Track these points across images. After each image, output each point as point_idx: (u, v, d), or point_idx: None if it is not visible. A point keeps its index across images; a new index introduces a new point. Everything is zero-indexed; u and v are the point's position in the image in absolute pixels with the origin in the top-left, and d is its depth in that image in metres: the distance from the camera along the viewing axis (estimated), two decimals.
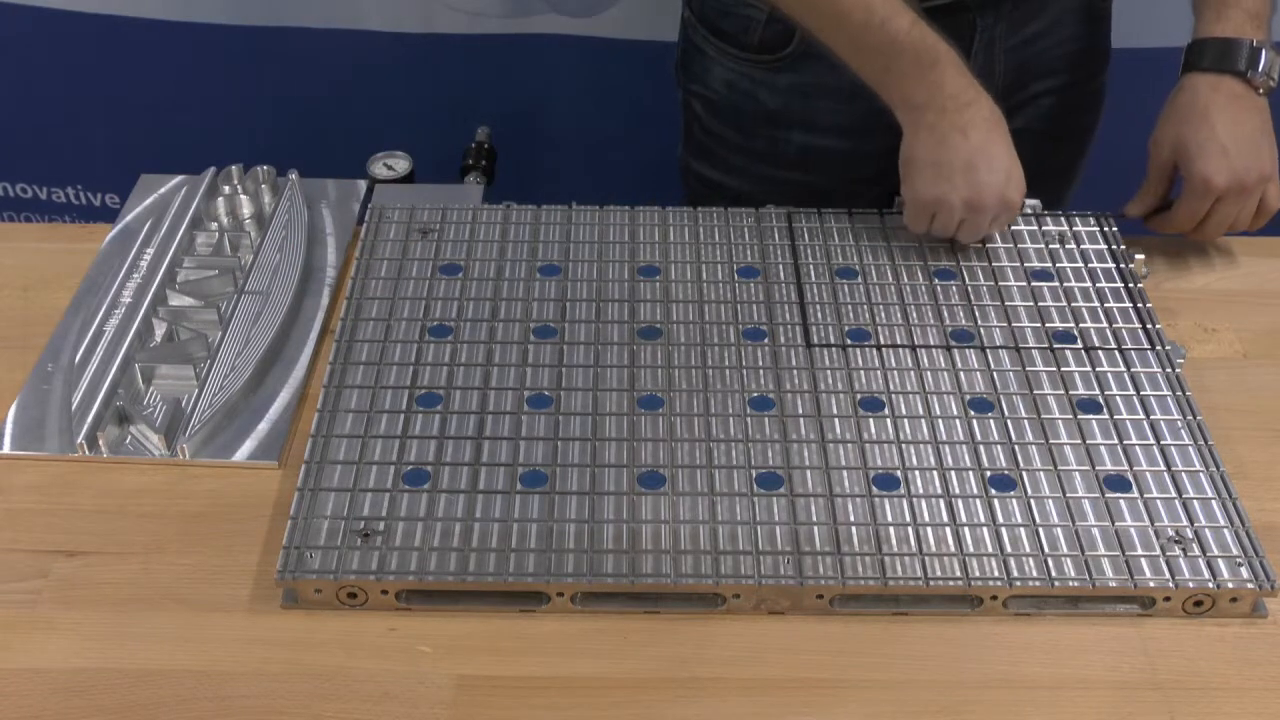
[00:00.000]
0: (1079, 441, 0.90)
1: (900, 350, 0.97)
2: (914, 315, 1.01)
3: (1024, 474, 0.87)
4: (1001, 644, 0.80)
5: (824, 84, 1.16)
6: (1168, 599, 0.81)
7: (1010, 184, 1.01)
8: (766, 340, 0.98)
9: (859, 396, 0.93)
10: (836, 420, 0.91)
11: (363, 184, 1.19)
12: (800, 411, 0.91)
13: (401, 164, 1.23)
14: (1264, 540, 0.83)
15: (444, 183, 1.24)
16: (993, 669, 0.78)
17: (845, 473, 0.87)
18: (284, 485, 0.89)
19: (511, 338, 0.98)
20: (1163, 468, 0.88)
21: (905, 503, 0.85)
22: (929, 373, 0.95)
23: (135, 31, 1.68)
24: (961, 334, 0.99)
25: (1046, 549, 0.82)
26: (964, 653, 0.79)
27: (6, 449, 0.92)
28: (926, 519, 0.84)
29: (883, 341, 0.98)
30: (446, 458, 0.87)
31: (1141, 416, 0.92)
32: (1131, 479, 0.87)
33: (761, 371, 0.95)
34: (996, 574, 0.80)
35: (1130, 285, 1.04)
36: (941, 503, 0.85)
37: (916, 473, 0.87)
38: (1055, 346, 0.98)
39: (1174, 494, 0.86)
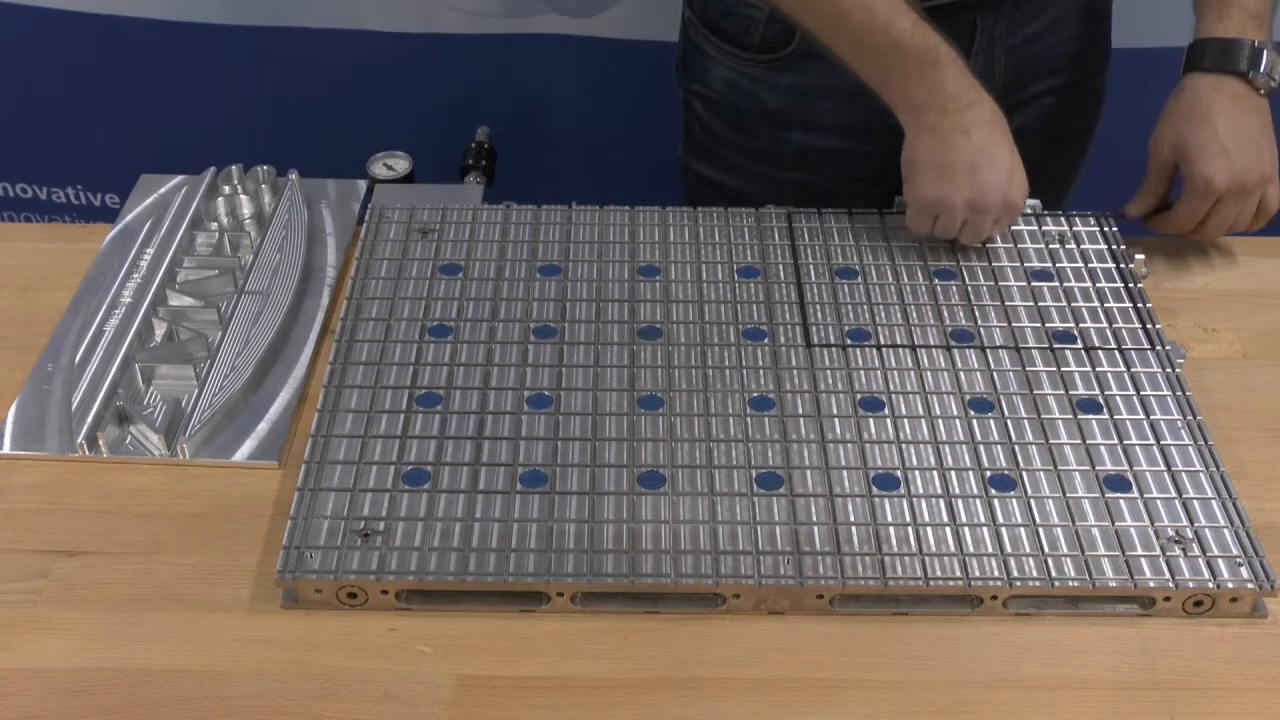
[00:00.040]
0: (1079, 441, 0.90)
1: (900, 350, 0.97)
2: (914, 315, 1.01)
3: (1024, 474, 0.87)
4: (1001, 644, 0.80)
5: (824, 84, 1.16)
6: (1168, 599, 0.81)
7: (1013, 185, 1.01)
8: (766, 340, 0.98)
9: (859, 396, 0.93)
10: (836, 420, 0.91)
11: (363, 184, 1.19)
12: (800, 411, 0.91)
13: (401, 164, 1.23)
14: (1264, 540, 0.83)
15: (444, 183, 1.24)
16: (993, 669, 0.78)
17: (845, 473, 0.87)
18: (284, 485, 0.89)
19: (511, 338, 0.98)
20: (1163, 468, 0.88)
21: (905, 503, 0.85)
22: (929, 373, 0.95)
23: (135, 31, 1.68)
24: (961, 334, 0.99)
25: (1046, 549, 0.82)
26: (964, 653, 0.79)
27: (6, 449, 0.92)
28: (926, 519, 0.84)
29: (883, 341, 0.98)
30: (446, 458, 0.87)
31: (1141, 416, 0.92)
32: (1131, 479, 0.87)
33: (761, 371, 0.95)
34: (996, 574, 0.80)
35: (1130, 285, 1.04)
36: (941, 503, 0.85)
37: (916, 473, 0.87)
38: (1055, 346, 0.98)
39: (1174, 494, 0.86)
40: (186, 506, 0.88)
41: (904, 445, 0.89)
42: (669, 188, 1.30)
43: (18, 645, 0.79)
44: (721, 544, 0.82)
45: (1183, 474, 0.87)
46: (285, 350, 1.00)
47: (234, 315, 1.01)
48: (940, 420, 0.91)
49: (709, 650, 0.79)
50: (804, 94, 1.18)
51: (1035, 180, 1.04)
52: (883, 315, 1.01)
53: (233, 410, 0.94)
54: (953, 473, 0.87)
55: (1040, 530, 0.83)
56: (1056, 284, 1.04)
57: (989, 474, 0.87)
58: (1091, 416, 0.92)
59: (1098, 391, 0.94)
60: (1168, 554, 0.82)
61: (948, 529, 0.83)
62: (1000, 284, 1.04)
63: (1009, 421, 0.91)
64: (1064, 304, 1.02)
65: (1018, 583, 0.80)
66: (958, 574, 0.80)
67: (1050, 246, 1.08)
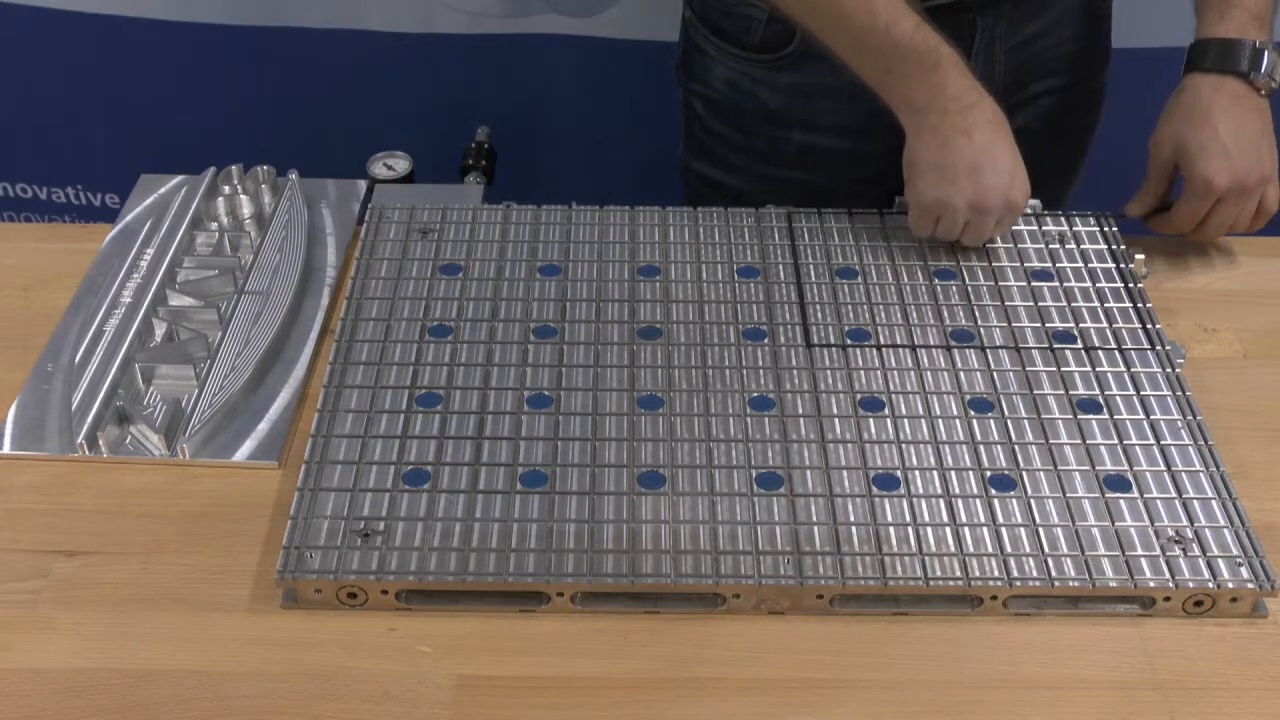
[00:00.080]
0: (1079, 441, 0.90)
1: (900, 350, 0.97)
2: (914, 315, 1.01)
3: (1024, 474, 0.87)
4: (1001, 644, 0.80)
5: (825, 83, 1.16)
6: (1168, 599, 0.81)
7: (1014, 186, 1.01)
8: (766, 340, 0.98)
9: (859, 396, 0.93)
10: (836, 420, 0.91)
11: (363, 184, 1.19)
12: (800, 411, 0.91)
13: (401, 164, 1.23)
14: (1264, 540, 0.83)
15: (444, 183, 1.25)
16: (993, 669, 0.78)
17: (845, 473, 0.87)
18: (284, 485, 0.89)
19: (511, 338, 0.98)
20: (1163, 468, 0.88)
21: (905, 503, 0.85)
22: (929, 373, 0.95)
23: (135, 31, 1.68)
24: (961, 334, 0.99)
25: (1046, 549, 0.82)
26: (964, 653, 0.79)
27: (6, 449, 0.92)
28: (926, 519, 0.84)
29: (883, 341, 0.98)
30: (446, 458, 0.87)
31: (1141, 416, 0.92)
32: (1131, 479, 0.87)
33: (761, 371, 0.95)
34: (996, 574, 0.80)
35: (1130, 285, 1.04)
36: (941, 503, 0.85)
37: (916, 473, 0.87)
38: (1055, 346, 0.98)
39: (1174, 494, 0.86)
40: (186, 506, 0.88)
41: (904, 445, 0.89)
42: (669, 188, 1.30)
43: (18, 645, 0.79)
44: (721, 544, 0.82)
45: (1183, 474, 0.87)
46: (285, 350, 1.00)
47: (234, 315, 1.01)
48: (940, 420, 0.91)
49: (709, 650, 0.79)
50: (804, 94, 1.18)
51: (1035, 180, 1.04)
52: (883, 315, 1.01)
53: (233, 410, 0.94)
54: (953, 473, 0.87)
55: (1040, 530, 0.83)
56: (1056, 284, 1.04)
57: (989, 474, 0.87)
58: (1091, 416, 0.92)
59: (1098, 391, 0.94)
60: (1168, 554, 0.82)
61: (948, 529, 0.83)
62: (1000, 284, 1.04)
63: (1009, 421, 0.91)
64: (1064, 304, 1.02)
65: (1018, 583, 0.80)
66: (958, 574, 0.80)
67: (1050, 246, 1.08)
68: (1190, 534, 0.83)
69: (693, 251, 1.07)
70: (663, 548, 0.82)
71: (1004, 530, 0.83)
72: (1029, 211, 1.10)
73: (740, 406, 0.92)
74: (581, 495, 0.85)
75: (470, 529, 0.82)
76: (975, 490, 0.86)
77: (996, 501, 0.85)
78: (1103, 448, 0.89)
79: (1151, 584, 0.80)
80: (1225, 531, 0.83)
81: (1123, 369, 0.96)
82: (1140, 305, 1.02)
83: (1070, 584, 0.80)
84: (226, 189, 1.13)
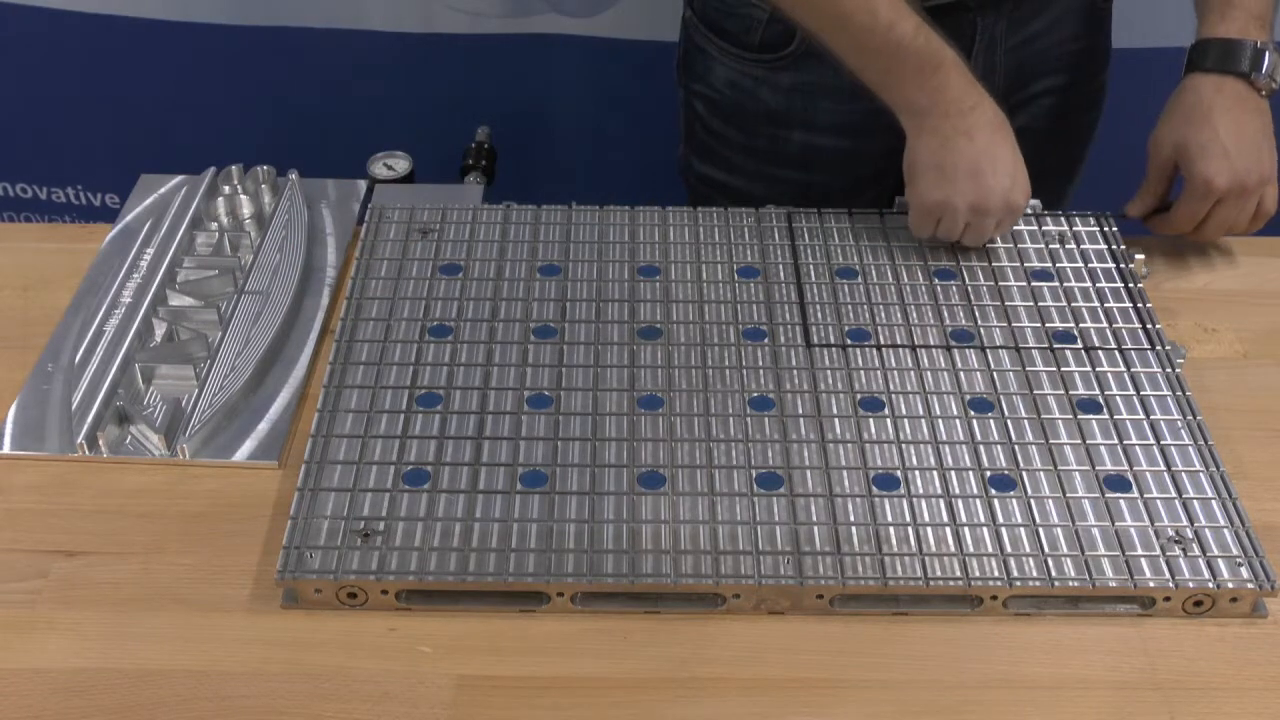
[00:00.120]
0: (1079, 441, 0.90)
1: (900, 350, 0.97)
2: (914, 315, 1.01)
3: (1024, 474, 0.87)
4: (1001, 644, 0.80)
5: (826, 83, 1.16)
6: (1168, 599, 0.81)
7: (1015, 187, 1.01)
8: (766, 340, 0.98)
9: (859, 396, 0.93)
10: (836, 420, 0.91)
11: (363, 184, 1.19)
12: (800, 411, 0.91)
13: (401, 164, 1.23)
14: (1264, 540, 0.83)
15: (444, 183, 1.25)
16: (993, 669, 0.78)
17: (845, 473, 0.87)
18: (284, 485, 0.89)
19: (511, 338, 0.98)
20: (1163, 468, 0.88)
21: (905, 503, 0.85)
22: (929, 373, 0.95)
23: (135, 31, 1.68)
24: (961, 334, 0.99)
25: (1046, 549, 0.82)
26: (964, 653, 0.79)
27: (6, 449, 0.92)
28: (926, 519, 0.84)
29: (883, 341, 0.98)
30: (446, 458, 0.87)
31: (1141, 416, 0.92)
32: (1131, 479, 0.87)
33: (761, 371, 0.95)
34: (996, 574, 0.80)
35: (1130, 285, 1.04)
36: (941, 503, 0.85)
37: (916, 473, 0.87)
38: (1055, 346, 0.98)
39: (1174, 494, 0.86)
40: (186, 506, 0.88)
41: (904, 445, 0.89)
42: (669, 188, 1.30)
43: (18, 645, 0.79)
44: (721, 544, 0.82)
45: (1183, 474, 0.87)
46: (285, 350, 1.00)
47: (234, 315, 1.01)
48: (940, 420, 0.91)
49: (709, 650, 0.79)
50: (805, 93, 1.18)
51: (1036, 180, 1.04)
52: (883, 315, 1.01)
53: (233, 410, 0.94)
54: (953, 473, 0.87)
55: (1040, 530, 0.83)
56: (1056, 284, 1.04)
57: (989, 474, 0.87)
58: (1091, 416, 0.92)
59: (1098, 391, 0.94)
60: (1168, 554, 0.82)
61: (948, 529, 0.83)
62: (1000, 284, 1.04)
63: (1009, 421, 0.91)
64: (1064, 304, 1.02)
65: (1018, 583, 0.80)
66: (958, 574, 0.80)
67: (1050, 246, 1.08)
68: (1190, 534, 0.83)
69: (693, 251, 1.07)
70: (663, 548, 0.82)
71: (1004, 530, 0.83)
72: (1029, 211, 1.10)
73: (740, 406, 0.92)
74: (581, 495, 0.85)
75: (470, 529, 0.82)
76: (975, 490, 0.86)
77: (996, 501, 0.85)
78: (1103, 448, 0.89)
79: (1151, 584, 0.80)
80: (1225, 531, 0.83)
81: (1123, 369, 0.96)
82: (1140, 305, 1.02)
83: (1070, 584, 0.80)
84: (226, 189, 1.13)
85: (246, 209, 1.13)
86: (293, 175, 1.16)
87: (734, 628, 0.80)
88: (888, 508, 0.84)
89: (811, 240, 1.08)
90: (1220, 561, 0.82)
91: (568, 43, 1.68)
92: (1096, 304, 1.02)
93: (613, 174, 1.77)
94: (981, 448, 0.89)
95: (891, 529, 0.83)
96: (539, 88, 1.73)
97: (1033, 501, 0.85)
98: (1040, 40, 1.19)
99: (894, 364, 0.96)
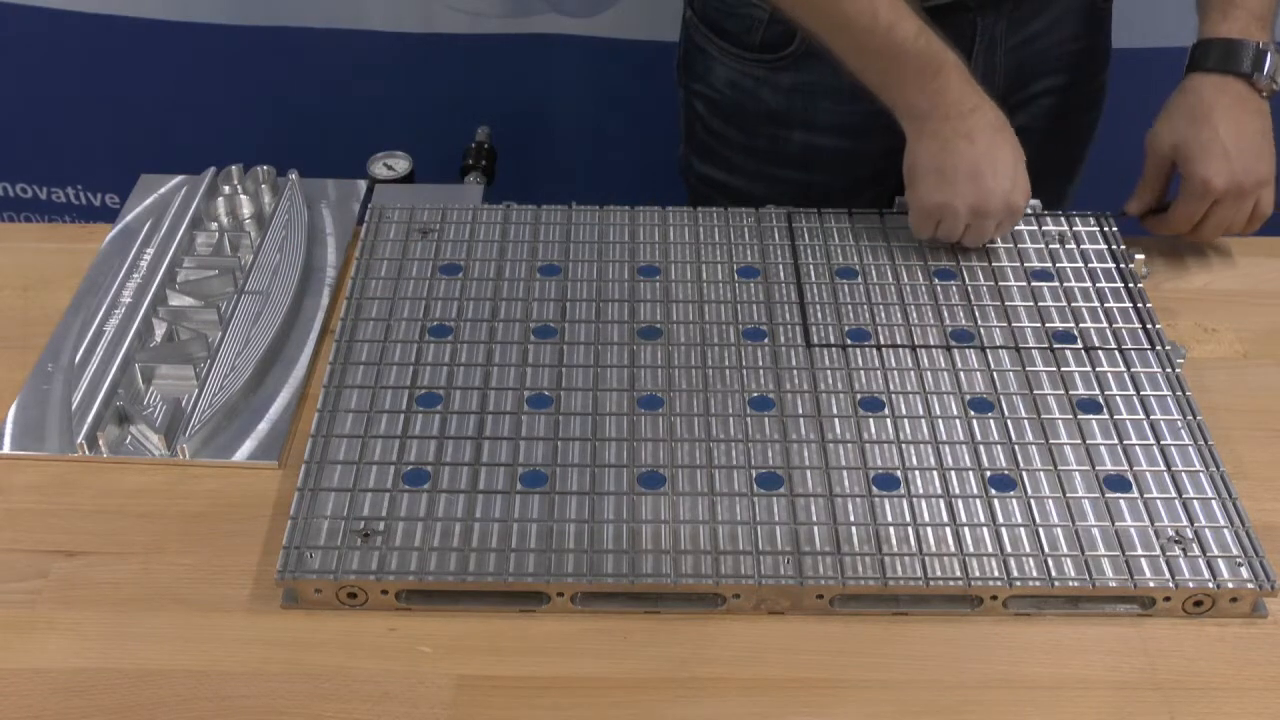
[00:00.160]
0: (1079, 441, 0.90)
1: (900, 350, 0.97)
2: (914, 315, 1.01)
3: (1024, 474, 0.87)
4: (1001, 644, 0.80)
5: (826, 83, 1.16)
6: (1168, 599, 0.81)
7: (1015, 189, 1.01)
8: (766, 340, 0.98)
9: (859, 396, 0.93)
10: (836, 420, 0.91)
11: (363, 184, 1.19)
12: (800, 411, 0.91)
13: (401, 164, 1.23)
14: (1264, 540, 0.83)
15: (444, 183, 1.25)
16: (993, 669, 0.78)
17: (845, 473, 0.87)
18: (284, 485, 0.89)
19: (511, 338, 0.98)
20: (1163, 468, 0.88)
21: (905, 503, 0.85)
22: (929, 373, 0.95)
23: (135, 31, 1.68)
24: (961, 334, 0.99)
25: (1046, 549, 0.82)
26: (964, 653, 0.79)
27: (6, 449, 0.92)
28: (926, 519, 0.84)
29: (883, 341, 0.98)
30: (446, 458, 0.87)
31: (1141, 416, 0.92)
32: (1131, 479, 0.87)
33: (761, 371, 0.95)
34: (996, 574, 0.80)
35: (1130, 285, 1.04)
36: (941, 503, 0.85)
37: (916, 473, 0.87)
38: (1055, 346, 0.98)
39: (1174, 494, 0.86)
40: (186, 506, 0.88)
41: (904, 445, 0.89)
42: (669, 188, 1.30)
43: (18, 645, 0.79)
44: (721, 544, 0.82)
45: (1183, 474, 0.87)
46: (285, 350, 1.00)
47: (234, 315, 1.01)
48: (940, 420, 0.91)
49: (709, 650, 0.79)
50: (806, 94, 1.18)
51: (1036, 179, 1.04)
52: (883, 315, 1.01)
53: (233, 410, 0.94)
54: (953, 473, 0.87)
55: (1040, 530, 0.83)
56: (1056, 284, 1.04)
57: (989, 474, 0.87)
58: (1091, 416, 0.92)
59: (1098, 391, 0.94)
60: (1168, 554, 0.82)
61: (948, 529, 0.83)
62: (1000, 284, 1.04)
63: (1009, 421, 0.91)
64: (1064, 304, 1.02)
65: (1018, 583, 0.80)
66: (958, 574, 0.80)
67: (1050, 246, 1.08)
68: (1190, 534, 0.83)
69: (693, 251, 1.07)
70: (663, 548, 0.82)
71: (1004, 530, 0.83)
72: (1029, 211, 1.10)
73: (740, 406, 0.92)
74: (581, 495, 0.85)
75: (470, 529, 0.82)
76: (975, 490, 0.86)
77: (996, 501, 0.85)
78: (1103, 448, 0.89)
79: (1151, 584, 0.80)
80: (1225, 531, 0.83)
81: (1123, 369, 0.96)
82: (1140, 305, 1.02)
83: (1070, 584, 0.80)
84: (226, 189, 1.13)
85: (246, 209, 1.13)
86: (293, 175, 1.16)
87: (734, 628, 0.80)
88: (888, 508, 0.84)
89: (811, 240, 1.08)
90: (1220, 561, 0.82)
91: (568, 43, 1.68)
92: (1096, 304, 1.02)
93: (613, 174, 1.77)
94: (981, 448, 0.89)
95: (891, 529, 0.83)
96: (539, 88, 1.73)
97: (1033, 501, 0.85)
98: (1040, 40, 1.19)
99: (894, 364, 0.96)
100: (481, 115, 1.46)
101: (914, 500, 0.85)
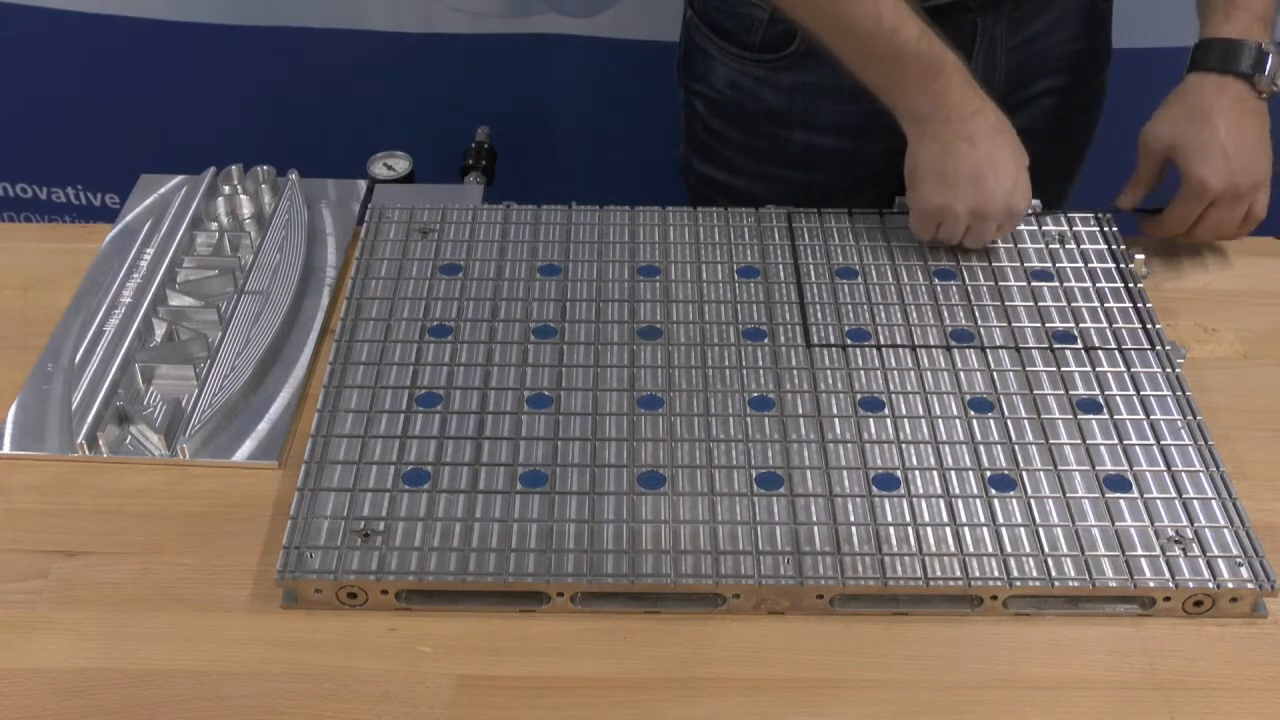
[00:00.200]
0: (1079, 441, 0.90)
1: (900, 350, 0.97)
2: (914, 315, 1.01)
3: (1024, 474, 0.87)
4: (1001, 644, 0.80)
5: (826, 83, 1.16)
6: (1168, 599, 0.81)
7: (1016, 192, 1.01)
8: (766, 340, 0.98)
9: (859, 396, 0.93)
10: (836, 420, 0.91)
11: (363, 184, 1.19)
12: (800, 411, 0.91)
13: (401, 164, 1.23)
14: (1264, 540, 0.83)
15: (444, 183, 1.25)
16: (993, 669, 0.78)
17: (845, 473, 0.87)
18: (284, 485, 0.89)
19: (511, 338, 0.98)
20: (1163, 468, 0.88)
21: (905, 503, 0.85)
22: (929, 373, 0.95)
23: (135, 31, 1.68)
24: (961, 334, 0.99)
25: (1046, 549, 0.82)
26: (964, 653, 0.79)
27: (6, 449, 0.92)
28: (926, 519, 0.84)
29: (883, 341, 0.98)
30: (446, 458, 0.87)
31: (1141, 416, 0.92)
32: (1131, 479, 0.87)
33: (761, 371, 0.95)
34: (996, 574, 0.80)
35: (1130, 285, 1.04)
36: (941, 503, 0.85)
37: (916, 473, 0.87)
38: (1055, 346, 0.98)
39: (1174, 494, 0.86)
40: (186, 506, 0.88)
41: (904, 445, 0.89)
42: (669, 188, 1.30)
43: (18, 645, 0.79)
44: (721, 544, 0.82)
45: (1183, 474, 0.87)
46: (285, 350, 1.00)
47: (234, 315, 1.01)
48: (940, 420, 0.91)
49: (709, 650, 0.79)
50: (806, 93, 1.18)
51: (1036, 179, 1.04)
52: (883, 315, 1.01)
53: (233, 410, 0.94)
54: (953, 473, 0.87)
55: (1040, 530, 0.83)
56: (1056, 284, 1.04)
57: (989, 474, 0.87)
58: (1091, 416, 0.92)
59: (1098, 391, 0.94)
60: (1168, 554, 0.82)
61: (948, 529, 0.83)
62: (1000, 284, 1.04)
63: (1009, 421, 0.91)
64: (1064, 304, 1.02)
65: (1018, 583, 0.80)
66: (958, 574, 0.80)
67: (1050, 246, 1.08)
68: (1190, 534, 0.83)
69: (693, 251, 1.07)
70: (663, 548, 0.82)
71: (1004, 530, 0.83)
72: (1030, 212, 1.10)
73: (740, 406, 0.92)
74: (581, 495, 0.85)
75: (470, 529, 0.82)
76: (975, 490, 0.86)
77: (996, 501, 0.85)
78: (1103, 448, 0.89)
79: (1151, 584, 0.80)
80: (1225, 531, 0.83)
81: (1123, 369, 0.96)
82: (1140, 305, 1.02)
83: (1070, 584, 0.80)
84: (226, 189, 1.13)
85: (246, 209, 1.13)
86: (293, 175, 1.16)
87: (734, 628, 0.80)
88: (888, 508, 0.84)
89: (811, 240, 1.08)
90: (1220, 561, 0.82)
91: (568, 43, 1.68)
92: (1096, 304, 1.02)
93: (613, 174, 1.77)
94: (981, 448, 0.89)
95: (891, 529, 0.83)
96: (539, 88, 1.73)
97: (1033, 501, 0.85)
98: (1040, 40, 1.19)
99: (894, 364, 0.96)
100: (481, 115, 1.46)
101: (914, 500, 0.85)
